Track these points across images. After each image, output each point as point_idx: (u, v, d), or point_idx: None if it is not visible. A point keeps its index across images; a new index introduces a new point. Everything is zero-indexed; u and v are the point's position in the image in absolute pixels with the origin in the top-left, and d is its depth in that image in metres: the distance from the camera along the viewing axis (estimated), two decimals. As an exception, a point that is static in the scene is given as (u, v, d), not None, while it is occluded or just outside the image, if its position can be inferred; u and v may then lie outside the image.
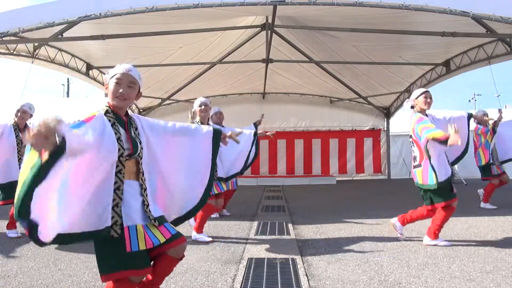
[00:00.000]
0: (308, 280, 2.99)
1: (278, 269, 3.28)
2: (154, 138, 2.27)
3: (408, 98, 4.42)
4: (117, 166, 2.02)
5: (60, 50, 8.72)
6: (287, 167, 13.70)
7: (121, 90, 2.10)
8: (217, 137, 2.55)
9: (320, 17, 7.55)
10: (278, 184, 12.06)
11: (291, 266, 3.36)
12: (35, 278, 3.10)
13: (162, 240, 2.04)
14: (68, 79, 30.47)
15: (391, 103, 13.51)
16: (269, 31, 8.17)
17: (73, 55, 9.13)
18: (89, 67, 9.75)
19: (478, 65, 9.12)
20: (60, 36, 6.70)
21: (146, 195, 2.12)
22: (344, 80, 11.59)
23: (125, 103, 2.13)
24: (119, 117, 2.12)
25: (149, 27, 7.07)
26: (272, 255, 3.72)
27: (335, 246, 4.11)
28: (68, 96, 30.48)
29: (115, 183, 2.00)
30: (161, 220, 2.13)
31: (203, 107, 4.67)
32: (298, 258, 3.58)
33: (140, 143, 2.15)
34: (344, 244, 4.17)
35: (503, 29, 6.78)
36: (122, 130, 2.09)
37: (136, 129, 2.19)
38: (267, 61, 9.50)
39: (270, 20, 7.81)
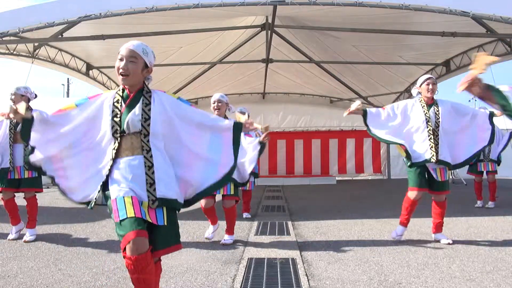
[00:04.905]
0: (308, 280, 2.99)
1: (278, 269, 3.28)
2: (178, 119, 2.25)
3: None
4: (114, 142, 2.12)
5: (60, 50, 8.72)
6: (287, 167, 13.69)
7: (120, 65, 2.13)
8: (238, 128, 2.45)
9: (320, 17, 7.56)
10: (278, 184, 12.06)
11: (291, 266, 3.36)
12: (35, 278, 3.09)
13: (148, 218, 2.03)
14: (68, 79, 30.52)
15: (391, 103, 13.50)
16: (269, 31, 8.17)
17: (73, 55, 9.14)
18: (89, 67, 9.76)
19: (478, 65, 9.11)
20: (60, 36, 6.71)
21: (152, 173, 2.09)
22: (344, 80, 11.59)
23: (127, 79, 2.14)
24: (126, 94, 2.19)
25: (149, 27, 7.07)
26: (272, 255, 3.72)
27: (335, 246, 4.11)
28: (68, 96, 30.50)
29: (112, 159, 2.11)
30: (164, 202, 2.10)
31: (215, 104, 4.60)
32: (298, 258, 3.58)
33: (147, 119, 2.12)
34: (344, 244, 4.17)
35: (503, 29, 6.78)
36: (123, 107, 2.15)
37: (148, 104, 2.16)
38: (267, 61, 9.50)
39: (270, 20, 7.81)
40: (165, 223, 2.08)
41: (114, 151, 2.10)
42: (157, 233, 2.10)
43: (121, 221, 1.96)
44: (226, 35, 9.17)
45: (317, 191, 10.20)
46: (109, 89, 11.14)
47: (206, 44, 9.34)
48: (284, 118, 13.79)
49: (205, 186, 2.32)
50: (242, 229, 5.01)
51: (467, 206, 6.77)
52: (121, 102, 2.15)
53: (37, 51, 8.14)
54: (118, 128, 2.11)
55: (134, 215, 1.96)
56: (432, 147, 4.06)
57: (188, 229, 5.04)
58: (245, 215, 5.98)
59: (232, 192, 4.32)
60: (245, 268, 3.31)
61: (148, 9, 5.57)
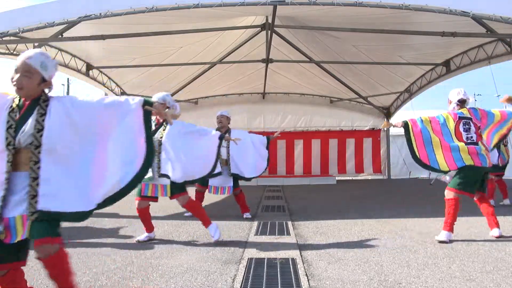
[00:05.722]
0: (308, 280, 2.99)
1: (278, 269, 3.27)
2: (82, 118, 2.14)
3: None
4: (8, 154, 2.03)
5: (60, 50, 8.72)
6: (287, 167, 13.69)
7: (14, 78, 2.08)
8: (147, 110, 2.30)
9: (320, 17, 7.56)
10: (278, 184, 12.06)
11: (291, 266, 3.36)
12: (35, 278, 3.09)
13: (19, 237, 2.00)
14: (68, 79, 30.45)
15: (391, 103, 13.52)
16: (269, 31, 8.17)
17: (73, 55, 9.14)
18: (89, 67, 9.75)
19: (478, 65, 9.13)
20: (60, 36, 6.70)
21: (37, 185, 2.03)
22: (344, 80, 11.59)
23: (21, 92, 2.09)
24: (22, 104, 2.10)
25: (149, 27, 7.07)
26: (272, 255, 3.71)
27: (335, 246, 4.11)
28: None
29: (7, 172, 2.02)
30: (45, 215, 2.03)
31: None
32: (298, 258, 3.58)
33: (40, 130, 2.05)
34: (344, 244, 4.17)
35: (503, 29, 6.78)
36: (17, 117, 2.07)
37: (43, 115, 2.08)
38: (267, 61, 9.50)
39: (270, 20, 7.81)
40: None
41: (9, 164, 2.02)
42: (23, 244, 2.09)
43: None
44: (226, 35, 9.17)
45: (317, 191, 10.20)
46: (109, 89, 11.13)
47: (206, 44, 9.34)
48: (284, 118, 13.79)
49: (122, 185, 2.22)
50: (242, 229, 5.01)
51: (467, 206, 6.75)
52: (16, 112, 2.08)
53: (37, 51, 8.12)
54: (12, 140, 2.03)
55: None
56: None
57: (188, 229, 5.04)
58: (245, 215, 5.96)
59: (169, 195, 4.26)
60: (245, 268, 3.31)
61: (148, 9, 5.56)
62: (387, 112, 13.80)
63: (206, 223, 4.33)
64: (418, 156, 4.41)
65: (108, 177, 2.21)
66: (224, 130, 5.78)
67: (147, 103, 2.31)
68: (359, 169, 13.80)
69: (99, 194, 2.19)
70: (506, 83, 59.66)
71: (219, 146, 4.67)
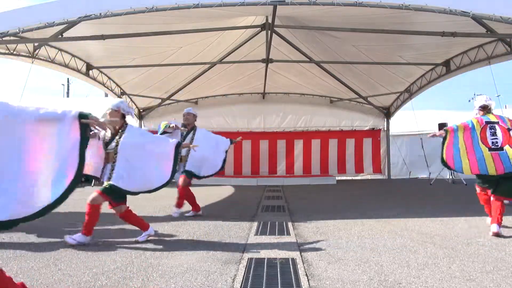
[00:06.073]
0: (308, 280, 2.99)
1: (278, 269, 3.27)
2: (12, 127, 2.11)
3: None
4: None
5: (60, 50, 8.72)
6: (287, 167, 13.70)
7: None
8: (84, 123, 2.31)
9: (320, 17, 7.56)
10: (278, 184, 12.06)
11: (291, 266, 3.36)
12: (35, 278, 3.09)
13: None
14: (68, 79, 30.43)
15: (391, 103, 13.52)
16: (269, 31, 8.17)
17: (73, 55, 9.14)
18: (89, 67, 9.76)
19: (478, 65, 9.14)
20: (60, 36, 6.70)
21: None
22: (344, 80, 11.60)
23: None
24: None
25: (149, 27, 7.07)
26: (272, 255, 3.71)
27: (335, 246, 4.11)
28: (68, 96, 30.47)
29: None
30: None
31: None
32: (298, 258, 3.58)
33: None
34: (344, 244, 4.17)
35: (503, 29, 6.79)
36: None
37: None
38: (267, 61, 9.50)
39: (270, 20, 7.81)
40: None
41: None
42: None
43: None
44: (226, 35, 9.18)
45: (317, 191, 10.20)
46: (109, 89, 11.13)
47: (206, 44, 9.34)
48: (284, 118, 13.80)
49: (51, 200, 2.23)
50: (242, 229, 5.01)
51: (467, 206, 6.77)
52: None
53: (37, 51, 8.13)
54: None
55: None
56: None
57: (188, 229, 5.04)
58: (175, 211, 5.93)
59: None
60: (245, 268, 3.31)
61: (148, 9, 5.56)
62: (387, 112, 13.80)
63: (144, 228, 4.38)
64: (444, 158, 4.69)
65: (37, 190, 2.20)
66: (190, 127, 6.04)
67: (82, 116, 2.33)
68: (359, 169, 13.81)
69: (26, 206, 2.18)
70: (506, 83, 59.65)
71: (176, 154, 4.56)
